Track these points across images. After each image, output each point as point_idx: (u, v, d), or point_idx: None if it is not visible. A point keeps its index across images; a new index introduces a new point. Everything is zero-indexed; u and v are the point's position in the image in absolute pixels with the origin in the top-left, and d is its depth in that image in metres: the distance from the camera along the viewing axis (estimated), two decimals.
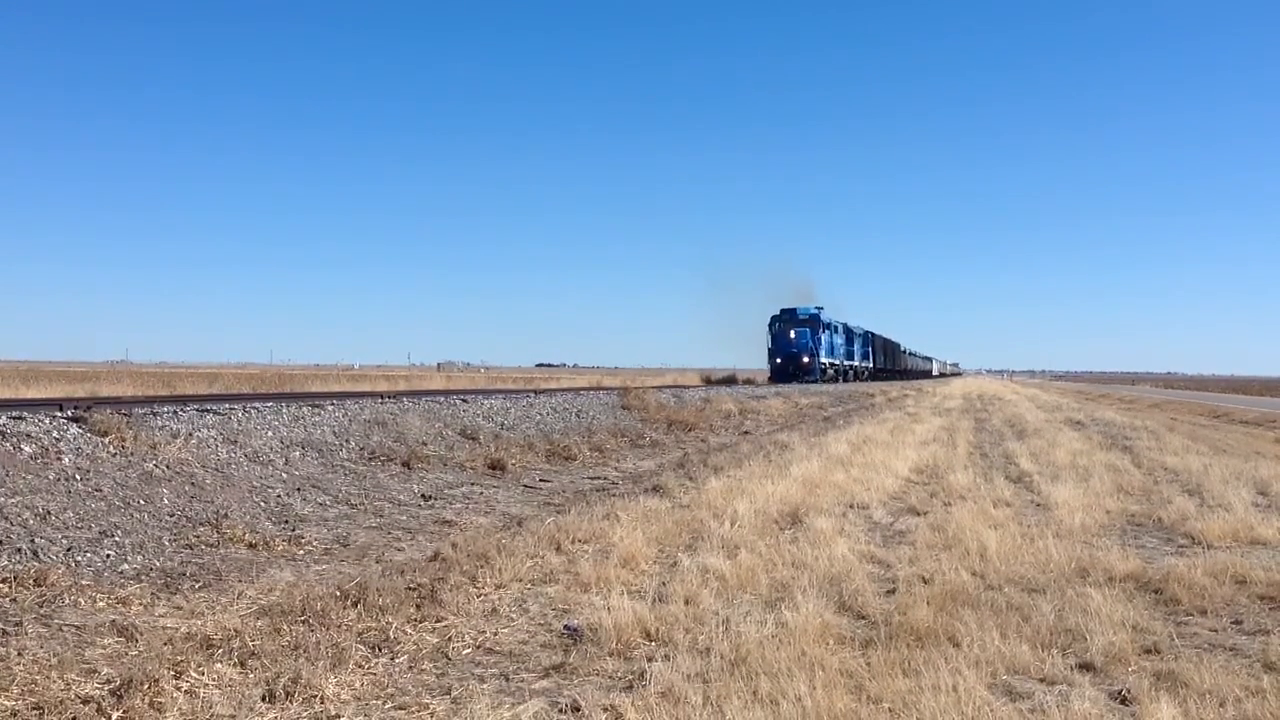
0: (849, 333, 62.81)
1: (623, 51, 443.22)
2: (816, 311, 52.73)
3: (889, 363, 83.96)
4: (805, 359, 50.40)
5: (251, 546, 7.49)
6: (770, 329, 52.40)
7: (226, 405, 12.05)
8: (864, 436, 18.92)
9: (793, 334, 50.81)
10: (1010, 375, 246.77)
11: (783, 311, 52.61)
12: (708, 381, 45.45)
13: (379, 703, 4.31)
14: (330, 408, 13.12)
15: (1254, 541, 8.38)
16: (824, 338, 52.83)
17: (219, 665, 4.56)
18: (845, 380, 58.02)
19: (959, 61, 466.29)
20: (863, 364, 68.00)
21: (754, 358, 56.76)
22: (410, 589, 6.04)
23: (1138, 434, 21.60)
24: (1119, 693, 4.50)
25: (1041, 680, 4.68)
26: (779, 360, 51.07)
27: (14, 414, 8.97)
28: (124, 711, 3.97)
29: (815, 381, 48.68)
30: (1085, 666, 4.88)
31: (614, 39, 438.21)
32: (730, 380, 47.70)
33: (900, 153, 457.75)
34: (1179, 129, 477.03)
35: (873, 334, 73.98)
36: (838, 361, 57.53)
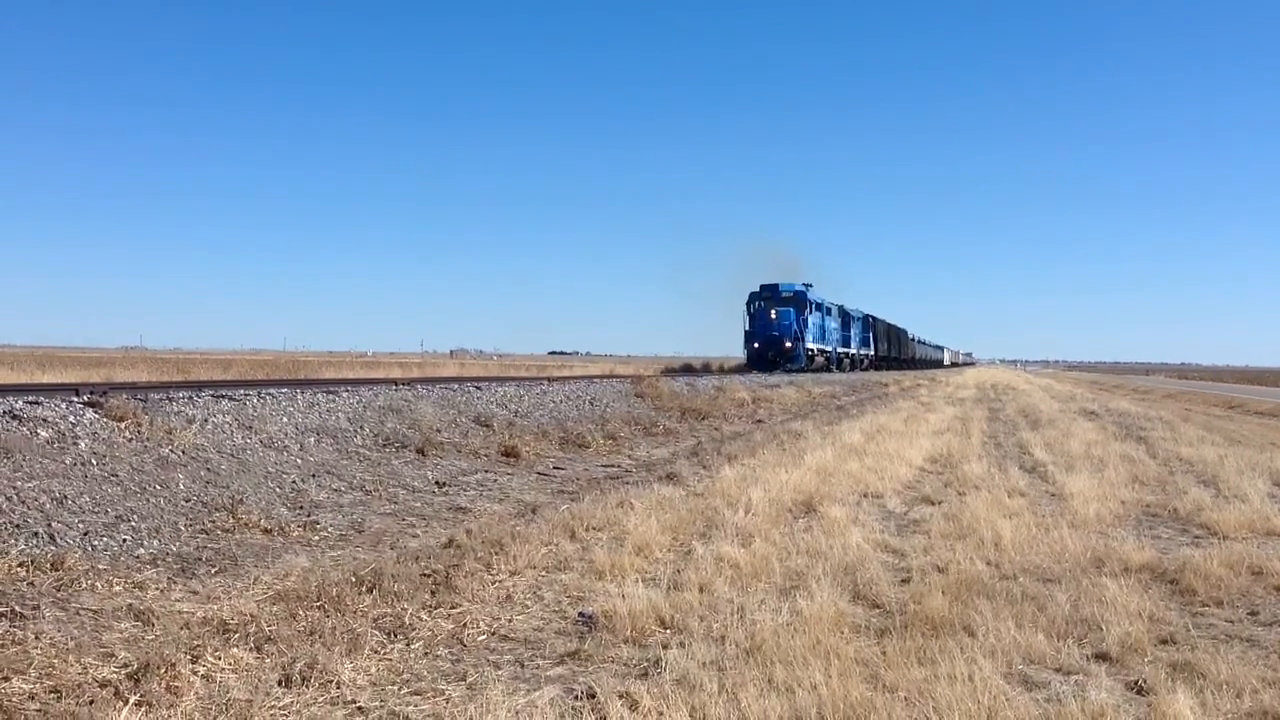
0: (845, 315, 55.18)
1: (623, 46, 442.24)
2: (803, 289, 44.87)
3: (894, 350, 75.53)
4: (787, 343, 42.93)
5: (267, 532, 7.52)
6: (748, 308, 44.69)
7: (241, 391, 12.10)
8: (877, 425, 18.89)
9: (773, 314, 43.16)
10: (1024, 365, 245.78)
11: (762, 288, 44.63)
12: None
13: (395, 688, 4.33)
14: (345, 394, 13.17)
15: (1270, 533, 8.33)
16: (811, 319, 45.32)
17: (235, 650, 4.58)
18: (841, 369, 51.37)
19: (967, 49, 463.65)
20: (861, 351, 60.27)
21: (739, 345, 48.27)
22: (425, 575, 6.06)
23: (1152, 424, 21.50)
24: (1135, 683, 4.49)
25: (1057, 670, 4.67)
26: (757, 345, 43.51)
27: (31, 399, 9.03)
28: (141, 695, 3.99)
29: (800, 370, 41.77)
30: (1101, 656, 4.87)
31: (617, 34, 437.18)
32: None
33: (913, 143, 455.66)
34: (1192, 118, 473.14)
35: (874, 318, 66.04)
36: (829, 348, 49.83)
